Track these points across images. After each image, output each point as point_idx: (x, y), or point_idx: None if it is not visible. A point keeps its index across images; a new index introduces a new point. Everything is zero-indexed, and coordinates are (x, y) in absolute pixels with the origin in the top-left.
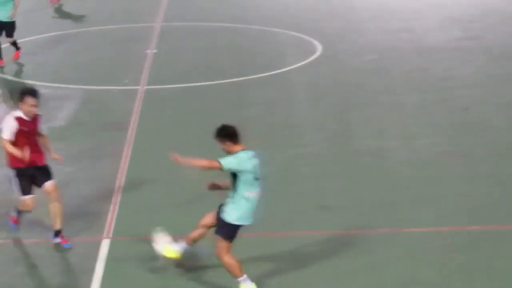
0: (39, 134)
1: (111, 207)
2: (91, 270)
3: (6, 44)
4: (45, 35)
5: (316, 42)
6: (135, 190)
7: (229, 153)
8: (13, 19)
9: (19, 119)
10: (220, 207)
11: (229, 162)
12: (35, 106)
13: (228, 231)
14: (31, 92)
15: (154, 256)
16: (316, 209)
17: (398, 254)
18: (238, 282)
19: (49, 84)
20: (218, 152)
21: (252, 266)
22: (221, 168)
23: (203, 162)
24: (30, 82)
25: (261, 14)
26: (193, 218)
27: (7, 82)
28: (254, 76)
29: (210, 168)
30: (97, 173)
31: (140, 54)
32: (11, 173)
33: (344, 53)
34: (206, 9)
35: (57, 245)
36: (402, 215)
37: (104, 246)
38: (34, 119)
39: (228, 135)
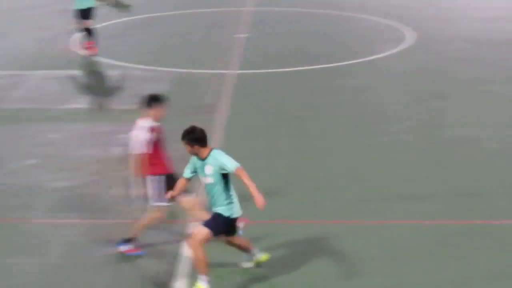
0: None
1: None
2: (176, 252)
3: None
4: (137, 17)
5: (407, 30)
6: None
7: (196, 155)
8: (93, 5)
9: (150, 128)
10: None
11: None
12: (164, 110)
13: (220, 224)
14: (161, 98)
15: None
16: (403, 198)
17: (488, 246)
18: (199, 279)
19: (141, 66)
20: (307, 137)
21: (339, 254)
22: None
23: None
24: (122, 64)
25: (353, 1)
26: (282, 204)
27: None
28: (344, 63)
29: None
30: (187, 156)
31: (232, 38)
32: (148, 180)
33: (436, 41)
34: None
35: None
36: (492, 206)
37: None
38: (160, 126)
39: (197, 139)
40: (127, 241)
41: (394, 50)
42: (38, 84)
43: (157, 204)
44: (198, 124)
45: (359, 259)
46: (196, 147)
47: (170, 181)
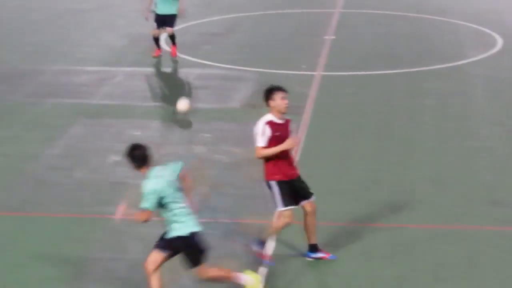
0: None
1: None
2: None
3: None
4: (225, 16)
5: (497, 35)
6: (306, 175)
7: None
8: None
9: (270, 124)
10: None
11: (148, 199)
12: (285, 98)
13: (169, 244)
14: (278, 87)
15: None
16: (486, 204)
17: None
18: None
19: (227, 66)
20: (390, 141)
21: (417, 259)
22: (149, 215)
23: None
24: (208, 63)
25: (440, 4)
26: (362, 206)
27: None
28: (431, 67)
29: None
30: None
31: (318, 39)
32: (271, 186)
33: None
34: None
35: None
36: None
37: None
38: (286, 122)
39: (134, 157)
40: (261, 242)
41: (483, 55)
42: (124, 80)
43: (281, 209)
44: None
45: (439, 264)
46: (133, 165)
47: (293, 186)
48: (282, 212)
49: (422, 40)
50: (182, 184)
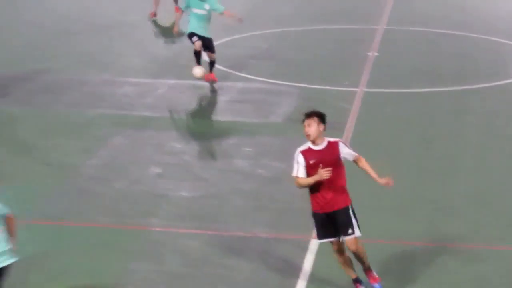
0: (340, 165)
1: None
2: (299, 268)
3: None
4: (269, 30)
5: None
6: (350, 191)
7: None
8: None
9: (305, 152)
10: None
11: None
12: (309, 125)
13: None
14: (305, 114)
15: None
16: None
17: None
18: None
19: (269, 80)
20: (432, 159)
21: (462, 280)
22: None
23: None
24: (250, 77)
25: (485, 23)
26: (401, 224)
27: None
28: (475, 86)
29: None
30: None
31: (361, 56)
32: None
33: None
34: (430, 14)
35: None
36: None
37: (313, 245)
38: (329, 147)
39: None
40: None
41: None
42: (167, 93)
43: (321, 241)
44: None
45: (483, 286)
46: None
47: (332, 218)
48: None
49: (466, 58)
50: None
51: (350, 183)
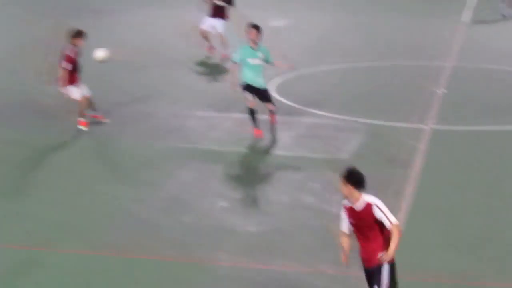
0: (373, 228)
1: None
2: None
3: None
4: (336, 66)
5: None
6: (416, 228)
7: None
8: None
9: (346, 208)
10: None
11: None
12: (342, 184)
13: None
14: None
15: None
16: None
17: None
18: None
19: (337, 116)
20: (502, 197)
21: None
22: None
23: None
24: (317, 112)
25: None
26: (470, 264)
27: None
28: None
29: None
30: None
31: (429, 92)
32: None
33: None
34: (504, 52)
35: None
36: None
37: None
38: (365, 209)
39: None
40: None
41: None
42: (233, 126)
43: None
44: (388, 177)
45: None
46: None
47: (368, 272)
48: None
49: None
50: None
51: (419, 220)
